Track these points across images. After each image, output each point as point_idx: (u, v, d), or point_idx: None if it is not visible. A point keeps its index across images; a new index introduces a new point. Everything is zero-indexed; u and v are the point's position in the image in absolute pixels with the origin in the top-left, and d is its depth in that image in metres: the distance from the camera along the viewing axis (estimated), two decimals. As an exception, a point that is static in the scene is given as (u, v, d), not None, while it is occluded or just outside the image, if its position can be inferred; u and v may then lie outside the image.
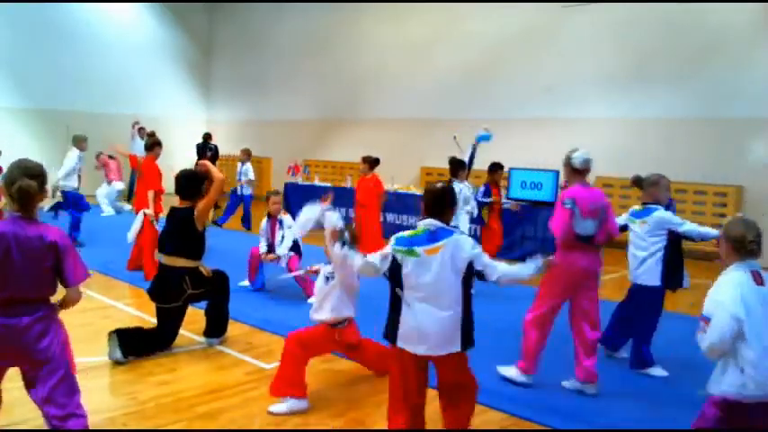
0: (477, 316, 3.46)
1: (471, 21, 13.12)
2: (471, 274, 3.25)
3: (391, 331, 3.31)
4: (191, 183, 5.15)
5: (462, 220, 7.31)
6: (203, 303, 5.33)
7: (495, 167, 8.67)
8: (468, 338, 3.35)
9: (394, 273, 3.23)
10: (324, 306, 4.18)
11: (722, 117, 10.21)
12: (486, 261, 3.28)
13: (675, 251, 5.01)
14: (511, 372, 4.70)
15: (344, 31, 15.64)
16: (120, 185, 14.19)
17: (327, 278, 4.21)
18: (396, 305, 3.29)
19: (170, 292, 4.96)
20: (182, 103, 18.88)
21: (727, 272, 2.99)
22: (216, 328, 5.30)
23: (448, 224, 3.29)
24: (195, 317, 5.64)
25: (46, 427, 3.20)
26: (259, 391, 4.33)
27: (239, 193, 11.84)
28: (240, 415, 3.99)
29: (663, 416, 4.15)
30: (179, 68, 18.87)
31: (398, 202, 11.23)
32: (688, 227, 4.96)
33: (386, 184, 11.82)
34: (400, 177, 12.88)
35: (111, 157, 13.80)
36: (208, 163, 5.73)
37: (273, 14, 17.31)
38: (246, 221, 11.60)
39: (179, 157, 15.22)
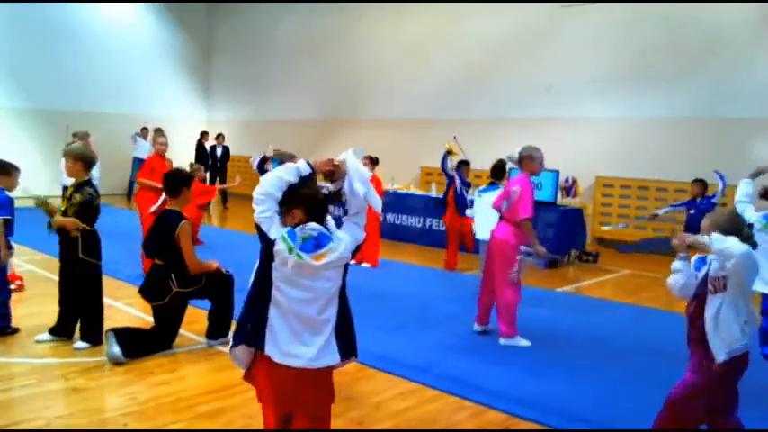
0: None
1: (471, 21, 13.12)
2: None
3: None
4: (169, 182, 5.14)
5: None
6: (205, 303, 5.33)
7: (462, 164, 8.83)
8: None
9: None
10: None
11: (722, 117, 10.22)
12: None
13: None
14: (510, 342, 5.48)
15: (344, 31, 15.65)
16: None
17: None
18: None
19: (156, 290, 4.96)
20: (182, 103, 18.88)
21: None
22: (217, 330, 5.30)
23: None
24: (195, 317, 5.64)
25: (46, 427, 3.20)
26: (259, 391, 4.33)
27: None
28: (240, 415, 3.98)
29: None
30: (179, 68, 18.87)
31: (398, 202, 11.24)
32: None
33: (386, 184, 11.83)
34: (400, 177, 12.89)
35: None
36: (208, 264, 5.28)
37: (273, 14, 17.31)
38: None
39: (179, 157, 15.21)
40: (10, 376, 4.38)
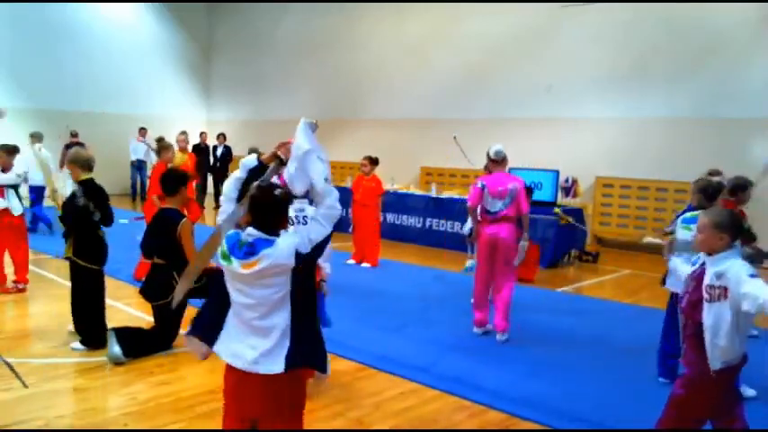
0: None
1: (471, 21, 13.12)
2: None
3: None
4: (167, 181, 5.12)
5: None
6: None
7: None
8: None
9: None
10: None
11: (722, 117, 10.21)
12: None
13: None
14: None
15: (344, 31, 15.64)
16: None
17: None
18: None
19: (157, 290, 4.93)
20: (182, 103, 18.88)
21: (732, 255, 3.10)
22: None
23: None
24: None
25: (46, 427, 3.20)
26: (259, 391, 4.33)
27: None
28: (240, 415, 3.98)
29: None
30: (179, 68, 18.87)
31: (398, 203, 11.24)
32: None
33: (386, 184, 11.84)
34: (400, 177, 12.89)
35: None
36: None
37: (273, 14, 17.31)
38: None
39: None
40: (10, 376, 4.37)
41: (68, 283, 6.97)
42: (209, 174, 15.43)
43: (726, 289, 2.99)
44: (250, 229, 2.64)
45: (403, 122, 14.25)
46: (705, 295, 3.06)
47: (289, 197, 2.74)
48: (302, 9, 16.41)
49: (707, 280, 3.08)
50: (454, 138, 9.46)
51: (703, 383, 3.11)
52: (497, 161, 5.73)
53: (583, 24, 11.71)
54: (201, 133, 15.72)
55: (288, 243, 2.60)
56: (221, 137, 15.76)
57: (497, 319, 5.61)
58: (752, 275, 2.93)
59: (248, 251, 2.58)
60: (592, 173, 11.39)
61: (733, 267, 2.99)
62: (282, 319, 2.64)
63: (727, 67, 10.26)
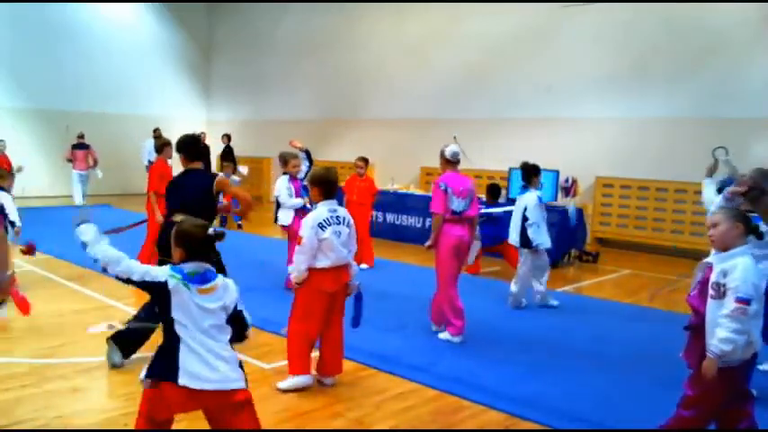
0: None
1: (471, 21, 13.12)
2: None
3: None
4: (189, 145, 5.03)
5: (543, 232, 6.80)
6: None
7: None
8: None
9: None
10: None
11: (722, 117, 10.21)
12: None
13: None
14: (445, 335, 5.54)
15: (344, 31, 15.65)
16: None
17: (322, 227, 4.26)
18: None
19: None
20: (182, 103, 18.89)
21: (740, 253, 3.12)
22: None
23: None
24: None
25: (46, 427, 3.20)
26: (259, 391, 4.32)
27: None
28: (240, 415, 3.98)
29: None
30: (179, 68, 18.88)
31: (398, 203, 11.24)
32: None
33: (386, 185, 11.84)
34: (400, 177, 12.89)
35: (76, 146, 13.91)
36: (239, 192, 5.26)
37: (273, 14, 17.31)
38: (239, 219, 11.73)
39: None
40: (10, 376, 4.37)
41: (69, 283, 7.00)
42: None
43: (726, 289, 3.02)
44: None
45: (403, 122, 14.25)
46: (711, 292, 3.11)
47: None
48: (302, 9, 16.41)
49: (713, 277, 3.12)
50: (454, 138, 9.39)
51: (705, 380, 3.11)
52: (454, 162, 5.66)
53: (583, 24, 11.71)
54: (201, 133, 15.70)
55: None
56: (224, 137, 15.69)
57: (451, 318, 5.52)
58: (740, 298, 2.98)
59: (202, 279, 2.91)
60: (592, 173, 11.39)
61: (737, 271, 3.03)
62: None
63: (727, 67, 10.26)
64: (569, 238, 9.73)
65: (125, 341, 4.78)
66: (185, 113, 18.72)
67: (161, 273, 2.87)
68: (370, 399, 4.30)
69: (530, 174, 7.01)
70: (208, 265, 2.98)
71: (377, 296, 6.97)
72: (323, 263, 4.26)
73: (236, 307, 3.03)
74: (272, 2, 17.10)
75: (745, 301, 2.97)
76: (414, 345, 5.42)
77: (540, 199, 6.81)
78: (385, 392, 4.42)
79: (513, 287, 6.78)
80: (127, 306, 6.26)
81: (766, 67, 9.97)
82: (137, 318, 4.92)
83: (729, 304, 2.99)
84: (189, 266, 2.92)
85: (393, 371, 4.77)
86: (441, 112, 13.43)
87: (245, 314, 3.11)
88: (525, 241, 6.69)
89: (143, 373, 3.13)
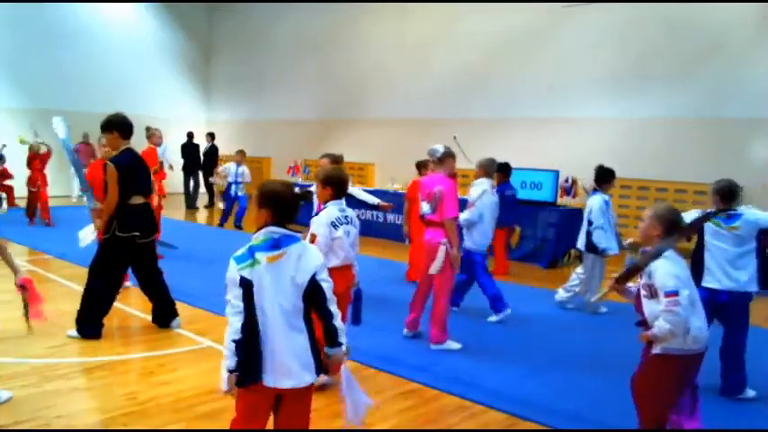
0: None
1: (471, 21, 13.12)
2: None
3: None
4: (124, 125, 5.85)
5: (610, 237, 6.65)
6: (194, 300, 5.31)
7: None
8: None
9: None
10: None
11: (722, 117, 10.21)
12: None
13: None
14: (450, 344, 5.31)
15: (344, 31, 15.65)
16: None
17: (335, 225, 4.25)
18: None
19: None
20: (182, 103, 18.89)
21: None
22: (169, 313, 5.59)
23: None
24: (195, 317, 5.64)
25: (46, 427, 3.20)
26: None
27: (233, 193, 11.85)
28: (240, 415, 3.98)
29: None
30: (179, 68, 18.88)
31: (398, 203, 11.21)
32: None
33: (386, 184, 11.82)
34: (400, 177, 12.88)
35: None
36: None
37: (273, 14, 17.32)
38: (239, 221, 11.71)
39: (179, 156, 15.24)
40: (10, 376, 4.37)
41: (69, 283, 6.98)
42: (200, 171, 15.40)
43: (655, 288, 3.23)
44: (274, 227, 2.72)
45: (403, 122, 14.25)
46: (643, 292, 3.34)
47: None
48: (302, 9, 16.41)
49: (643, 279, 3.34)
50: (454, 138, 9.43)
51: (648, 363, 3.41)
52: (437, 162, 5.45)
53: (583, 24, 11.71)
54: (189, 133, 15.70)
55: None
56: (209, 136, 15.73)
57: (433, 328, 5.35)
58: (668, 292, 3.15)
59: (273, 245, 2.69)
60: (592, 173, 11.36)
61: (659, 270, 3.21)
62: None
63: (727, 67, 10.25)
64: (569, 238, 9.71)
65: (88, 318, 5.07)
66: (185, 113, 18.72)
67: (231, 278, 2.63)
68: (371, 399, 4.30)
69: (600, 177, 6.94)
70: (285, 231, 2.69)
71: (377, 296, 6.97)
72: (333, 262, 4.19)
73: (313, 278, 2.65)
74: (271, 1, 17.11)
75: (674, 293, 3.13)
76: (414, 345, 5.42)
77: (606, 203, 6.66)
78: (385, 392, 4.42)
79: (586, 296, 6.54)
80: (127, 306, 6.26)
81: (766, 67, 9.97)
82: (90, 290, 5.16)
83: (662, 300, 3.18)
84: (261, 234, 2.70)
85: (393, 371, 4.78)
86: (441, 112, 13.42)
87: (327, 290, 2.70)
88: (590, 246, 6.49)
89: None
